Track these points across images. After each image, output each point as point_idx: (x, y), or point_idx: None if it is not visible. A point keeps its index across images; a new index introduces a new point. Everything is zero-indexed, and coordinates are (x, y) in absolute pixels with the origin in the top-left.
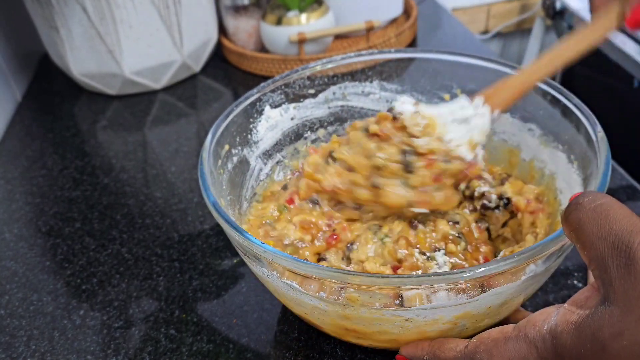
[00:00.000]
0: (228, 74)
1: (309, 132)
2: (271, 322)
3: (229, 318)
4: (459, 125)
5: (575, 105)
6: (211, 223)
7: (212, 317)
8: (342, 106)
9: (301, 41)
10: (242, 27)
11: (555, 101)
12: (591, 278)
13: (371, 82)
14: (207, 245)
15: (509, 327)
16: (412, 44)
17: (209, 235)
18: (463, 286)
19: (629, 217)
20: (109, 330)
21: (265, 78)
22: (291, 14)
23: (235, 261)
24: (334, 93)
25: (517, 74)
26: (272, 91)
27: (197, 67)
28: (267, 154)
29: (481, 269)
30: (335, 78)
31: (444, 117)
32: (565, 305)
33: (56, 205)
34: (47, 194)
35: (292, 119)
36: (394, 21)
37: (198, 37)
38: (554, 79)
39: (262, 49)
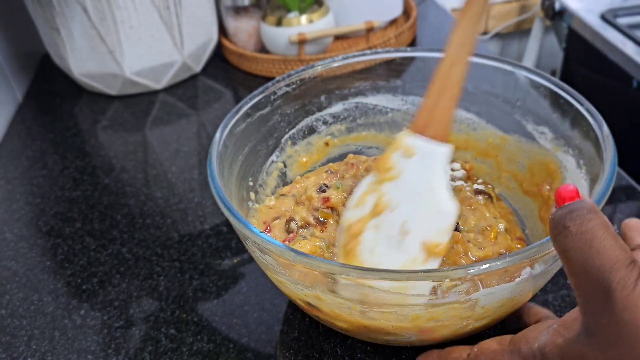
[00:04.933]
0: (228, 74)
1: (323, 127)
2: (271, 322)
3: (229, 318)
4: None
5: (587, 110)
6: (211, 223)
7: (213, 317)
8: (356, 103)
9: (301, 42)
10: (243, 28)
11: (567, 105)
12: None
13: (386, 80)
14: (207, 245)
15: (506, 339)
16: (412, 45)
17: (209, 235)
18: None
19: (612, 249)
20: (110, 330)
21: (265, 78)
22: (291, 15)
23: (235, 261)
24: (348, 89)
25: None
26: (287, 85)
27: (197, 67)
28: (280, 148)
29: (472, 269)
30: (349, 75)
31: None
32: (555, 325)
33: (57, 205)
34: (48, 194)
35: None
36: (393, 22)
37: (198, 37)
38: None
39: (263, 49)
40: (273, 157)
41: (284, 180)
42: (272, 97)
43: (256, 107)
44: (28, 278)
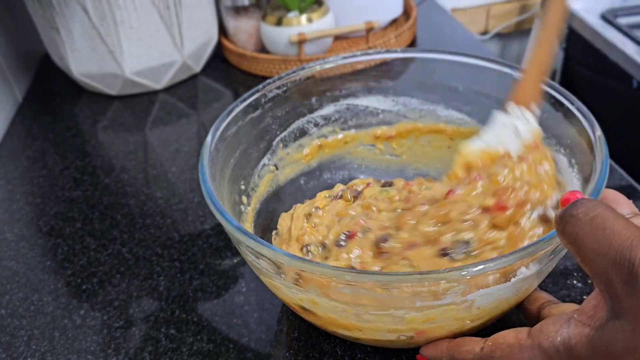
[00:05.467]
0: (228, 74)
1: (314, 129)
2: (271, 322)
3: (229, 318)
4: (513, 141)
5: (577, 109)
6: (212, 223)
7: (213, 317)
8: (347, 104)
9: (301, 42)
10: (243, 28)
11: (558, 104)
12: None
13: (377, 81)
14: (208, 245)
15: (523, 333)
16: (412, 45)
17: (209, 235)
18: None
19: (626, 228)
20: (110, 330)
21: (265, 78)
22: (291, 15)
23: (235, 261)
24: (340, 91)
25: (528, 65)
26: (278, 88)
27: (197, 67)
28: (272, 151)
29: (464, 272)
30: (341, 76)
31: (496, 145)
32: (576, 315)
33: (57, 205)
34: (48, 194)
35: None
36: (393, 22)
37: (198, 37)
38: (553, 79)
39: (262, 49)
40: (265, 160)
41: (276, 183)
42: (262, 99)
43: (247, 110)
44: (28, 278)
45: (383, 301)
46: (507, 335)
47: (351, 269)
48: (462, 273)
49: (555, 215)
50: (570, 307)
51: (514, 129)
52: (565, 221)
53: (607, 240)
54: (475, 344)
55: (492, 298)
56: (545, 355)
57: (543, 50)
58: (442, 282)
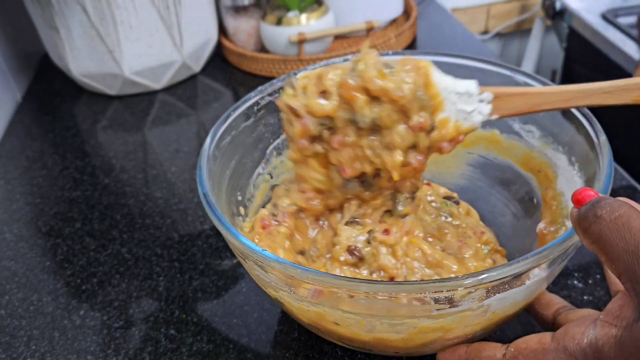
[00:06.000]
0: (228, 74)
1: None
2: (271, 322)
3: (229, 318)
4: (457, 109)
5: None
6: (211, 223)
7: (212, 317)
8: None
9: (301, 41)
10: (242, 28)
11: None
12: (610, 276)
13: None
14: (207, 246)
15: (546, 337)
16: (412, 44)
17: (209, 236)
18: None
19: None
20: (109, 331)
21: (265, 78)
22: (291, 14)
23: (235, 261)
24: None
25: (538, 89)
26: (270, 95)
27: (197, 67)
28: (266, 159)
29: (482, 276)
30: None
31: (447, 93)
32: (602, 316)
33: (56, 205)
34: (48, 194)
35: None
36: (394, 21)
37: (198, 37)
38: (553, 79)
39: (262, 49)
40: (259, 170)
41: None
42: (255, 107)
43: (240, 119)
44: (28, 278)
45: (399, 310)
46: (530, 340)
47: (370, 279)
48: (480, 277)
49: (573, 215)
50: (588, 311)
51: (467, 98)
52: (590, 221)
53: (633, 238)
54: (496, 350)
55: (507, 302)
56: (570, 359)
57: (568, 96)
58: (460, 288)
